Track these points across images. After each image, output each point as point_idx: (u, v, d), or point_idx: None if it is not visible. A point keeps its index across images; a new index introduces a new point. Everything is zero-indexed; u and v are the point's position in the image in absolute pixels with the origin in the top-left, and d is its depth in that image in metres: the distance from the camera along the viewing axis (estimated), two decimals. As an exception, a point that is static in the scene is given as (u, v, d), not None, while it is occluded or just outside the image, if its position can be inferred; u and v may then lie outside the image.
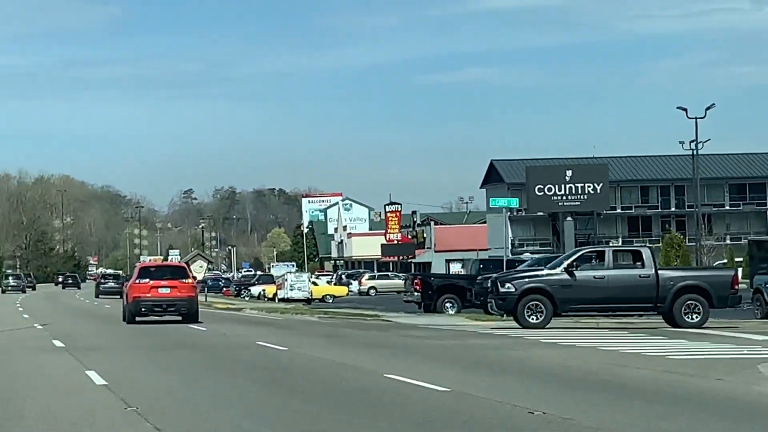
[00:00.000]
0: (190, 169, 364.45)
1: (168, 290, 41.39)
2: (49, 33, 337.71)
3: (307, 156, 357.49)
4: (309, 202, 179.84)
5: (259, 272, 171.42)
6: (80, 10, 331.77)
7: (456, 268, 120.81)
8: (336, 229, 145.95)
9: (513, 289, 35.02)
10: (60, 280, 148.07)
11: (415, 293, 48.94)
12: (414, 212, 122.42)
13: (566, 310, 35.28)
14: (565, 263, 35.59)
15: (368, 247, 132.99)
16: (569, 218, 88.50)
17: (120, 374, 21.03)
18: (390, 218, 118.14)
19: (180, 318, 41.65)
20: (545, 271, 35.86)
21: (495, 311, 37.66)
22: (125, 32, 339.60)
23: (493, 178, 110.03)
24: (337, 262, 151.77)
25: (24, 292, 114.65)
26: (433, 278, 50.35)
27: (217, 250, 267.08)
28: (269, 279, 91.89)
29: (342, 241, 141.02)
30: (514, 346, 28.04)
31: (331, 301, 79.81)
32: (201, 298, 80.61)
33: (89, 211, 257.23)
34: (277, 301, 76.59)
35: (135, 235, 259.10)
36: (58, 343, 30.05)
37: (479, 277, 45.79)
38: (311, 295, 76.30)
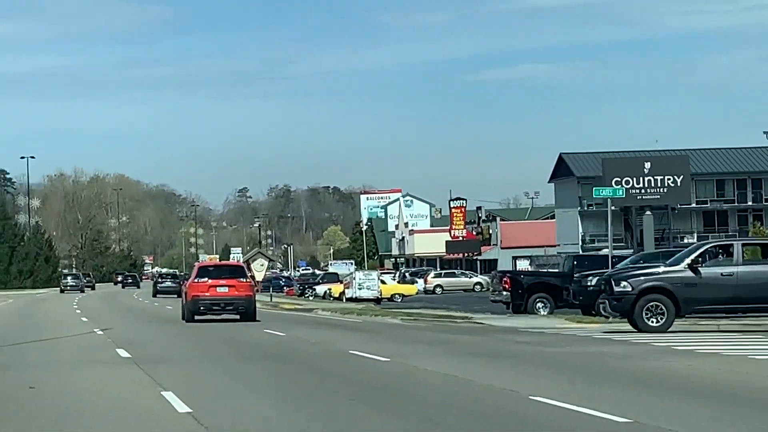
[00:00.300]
0: (244, 167, 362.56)
1: (226, 289, 41.52)
2: (103, 33, 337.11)
3: (361, 153, 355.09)
4: (367, 199, 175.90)
5: (320, 271, 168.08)
6: (135, 10, 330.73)
7: (523, 265, 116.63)
8: (397, 226, 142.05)
9: (630, 288, 31.00)
10: (119, 279, 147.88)
11: (504, 292, 44.93)
12: (479, 208, 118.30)
13: (690, 311, 31.19)
14: (688, 259, 31.46)
15: (430, 244, 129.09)
16: (648, 212, 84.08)
17: (204, 397, 17.22)
18: (455, 214, 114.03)
19: (238, 317, 41.87)
20: (664, 269, 31.76)
21: (608, 313, 33.62)
22: (179, 32, 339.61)
23: (562, 171, 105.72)
24: (398, 259, 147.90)
25: (82, 291, 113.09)
26: (524, 276, 46.34)
27: (272, 248, 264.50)
28: (334, 278, 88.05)
29: (403, 238, 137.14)
30: (647, 355, 24.06)
31: (400, 300, 75.99)
32: (266, 298, 77.14)
33: (144, 211, 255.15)
34: (344, 300, 72.80)
35: (191, 234, 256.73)
36: (123, 353, 26.34)
37: (576, 275, 41.76)
38: (380, 294, 72.47)
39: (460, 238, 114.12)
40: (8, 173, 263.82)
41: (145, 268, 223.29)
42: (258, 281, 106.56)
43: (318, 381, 19.69)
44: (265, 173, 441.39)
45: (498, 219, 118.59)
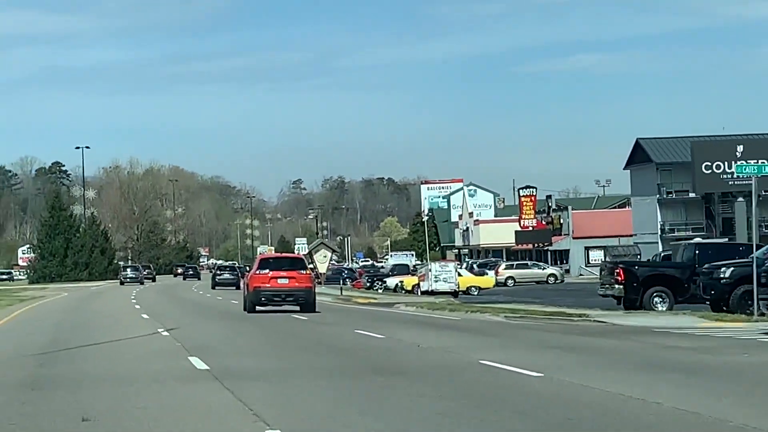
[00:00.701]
0: (299, 159, 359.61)
1: (287, 281, 41.90)
2: (158, 27, 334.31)
3: (416, 145, 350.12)
4: (428, 188, 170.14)
5: (377, 262, 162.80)
6: (186, 3, 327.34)
7: (597, 256, 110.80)
8: (460, 216, 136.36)
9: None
10: (180, 271, 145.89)
11: (616, 286, 39.36)
12: (549, 197, 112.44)
13: None
14: None
15: (496, 235, 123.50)
16: (741, 199, 78.26)
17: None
18: (524, 203, 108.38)
19: (298, 308, 42.11)
20: None
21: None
22: (233, 26, 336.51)
23: (638, 157, 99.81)
24: (461, 250, 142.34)
25: (142, 283, 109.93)
26: (639, 267, 40.72)
27: (327, 240, 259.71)
28: (404, 269, 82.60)
29: (467, 228, 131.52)
30: None
31: (476, 293, 70.64)
32: (334, 291, 71.97)
33: (199, 202, 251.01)
34: (419, 293, 67.49)
35: (246, 225, 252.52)
36: (198, 364, 21.11)
37: (706, 266, 36.18)
38: (458, 287, 67.10)
39: (530, 228, 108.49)
40: (63, 165, 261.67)
41: (201, 260, 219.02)
42: (321, 273, 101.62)
43: (465, 407, 14.37)
44: (319, 165, 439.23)
45: (570, 208, 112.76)
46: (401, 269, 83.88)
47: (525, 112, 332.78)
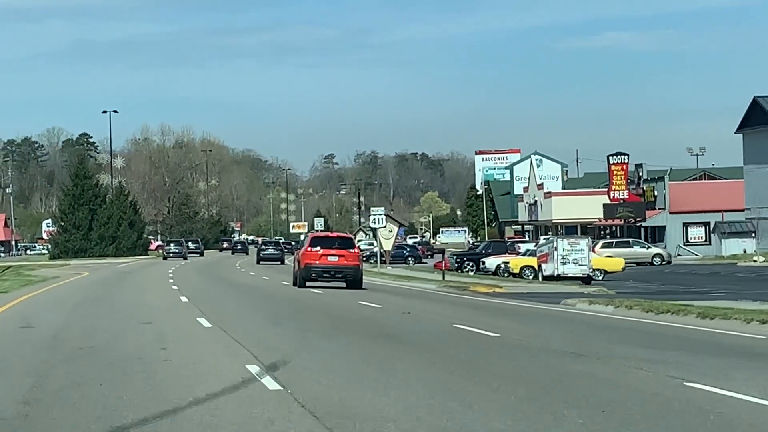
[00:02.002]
0: (331, 133, 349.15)
1: (336, 258, 42.47)
2: (188, 1, 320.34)
3: (449, 120, 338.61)
4: (483, 159, 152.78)
5: (438, 239, 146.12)
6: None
7: (698, 233, 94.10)
8: (525, 189, 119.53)
9: None
10: (225, 246, 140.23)
11: None
12: (639, 165, 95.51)
13: None
14: None
15: (571, 209, 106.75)
16: None
17: None
18: (615, 172, 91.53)
19: (344, 285, 42.52)
20: None
21: None
22: (265, 0, 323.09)
23: (755, 119, 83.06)
24: (524, 226, 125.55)
25: (185, 258, 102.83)
26: None
27: (357, 216, 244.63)
28: (501, 248, 65.70)
29: (536, 201, 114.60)
30: None
31: (601, 277, 54.10)
32: (437, 275, 55.47)
33: (230, 176, 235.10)
34: (540, 279, 50.95)
35: (281, 199, 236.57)
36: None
37: None
38: (592, 271, 50.55)
39: (621, 201, 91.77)
40: (91, 137, 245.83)
41: (233, 235, 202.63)
42: (386, 251, 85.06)
43: None
44: (351, 140, 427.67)
45: (667, 178, 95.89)
46: (497, 247, 66.74)
47: (553, 89, 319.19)
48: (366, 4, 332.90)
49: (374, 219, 66.94)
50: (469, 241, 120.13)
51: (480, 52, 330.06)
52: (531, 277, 54.17)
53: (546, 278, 50.04)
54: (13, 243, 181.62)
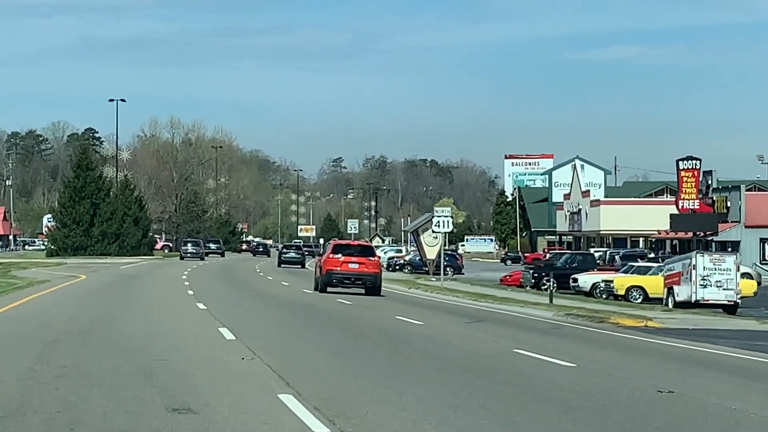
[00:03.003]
0: (340, 137, 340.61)
1: (357, 265, 42.66)
2: (198, 1, 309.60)
3: (459, 127, 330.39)
4: (513, 164, 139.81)
5: (461, 247, 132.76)
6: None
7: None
8: (566, 196, 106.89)
9: None
10: (244, 248, 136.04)
11: None
12: (708, 173, 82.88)
13: None
14: None
15: (622, 219, 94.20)
16: None
17: None
18: (685, 179, 78.76)
19: (363, 291, 42.31)
20: None
21: None
22: (278, 3, 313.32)
23: None
24: (562, 237, 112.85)
25: (202, 259, 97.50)
26: None
27: (366, 221, 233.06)
28: (590, 262, 52.04)
29: (579, 210, 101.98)
30: None
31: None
32: (515, 293, 42.56)
33: (239, 175, 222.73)
34: (670, 305, 38.18)
35: (288, 202, 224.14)
36: None
37: None
38: (739, 297, 37.88)
39: (690, 212, 79.10)
40: (97, 132, 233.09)
41: (242, 236, 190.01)
42: (430, 259, 72.35)
43: None
44: (360, 144, 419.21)
45: (742, 187, 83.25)
46: (586, 261, 53.07)
47: (570, 98, 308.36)
48: (376, 9, 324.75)
49: (439, 222, 53.69)
50: (498, 251, 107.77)
51: (490, 60, 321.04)
52: (639, 300, 41.64)
53: (679, 304, 37.36)
54: (12, 238, 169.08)
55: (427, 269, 70.32)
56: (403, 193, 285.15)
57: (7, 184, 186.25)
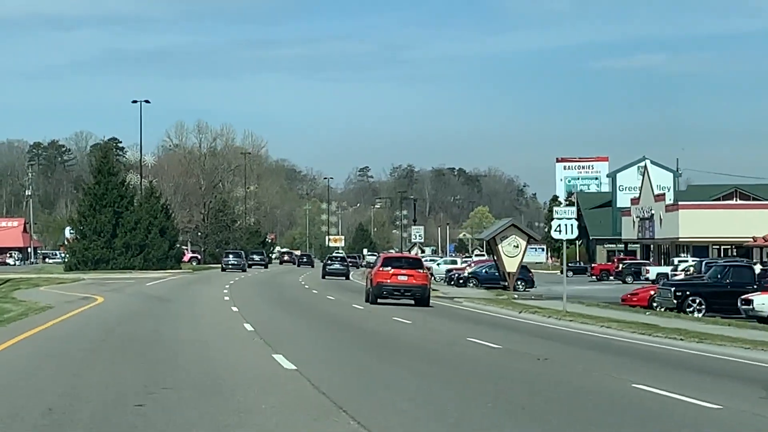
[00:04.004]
0: (366, 147, 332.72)
1: (406, 278, 43.29)
2: (228, 13, 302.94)
3: (487, 136, 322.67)
4: (565, 168, 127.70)
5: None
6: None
7: None
8: (634, 200, 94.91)
9: None
10: (286, 258, 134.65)
11: None
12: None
13: None
14: None
15: (705, 225, 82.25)
16: None
17: None
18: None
19: (413, 302, 42.90)
20: None
21: None
22: (299, 14, 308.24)
23: None
24: (627, 245, 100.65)
25: (244, 271, 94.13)
26: None
27: (396, 231, 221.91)
28: (747, 274, 39.66)
29: (651, 215, 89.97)
30: None
31: None
32: (654, 318, 30.63)
33: (266, 183, 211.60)
34: None
35: (318, 211, 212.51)
36: None
37: None
38: None
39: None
40: (120, 141, 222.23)
41: (272, 247, 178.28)
42: (510, 272, 60.23)
43: None
44: (386, 153, 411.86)
45: None
46: (742, 275, 39.83)
47: (586, 108, 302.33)
48: (401, 21, 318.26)
49: (560, 227, 40.49)
50: (551, 261, 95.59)
51: (515, 70, 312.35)
52: None
53: None
54: (31, 250, 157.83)
55: (505, 284, 58.47)
56: (431, 202, 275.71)
57: (27, 194, 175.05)
